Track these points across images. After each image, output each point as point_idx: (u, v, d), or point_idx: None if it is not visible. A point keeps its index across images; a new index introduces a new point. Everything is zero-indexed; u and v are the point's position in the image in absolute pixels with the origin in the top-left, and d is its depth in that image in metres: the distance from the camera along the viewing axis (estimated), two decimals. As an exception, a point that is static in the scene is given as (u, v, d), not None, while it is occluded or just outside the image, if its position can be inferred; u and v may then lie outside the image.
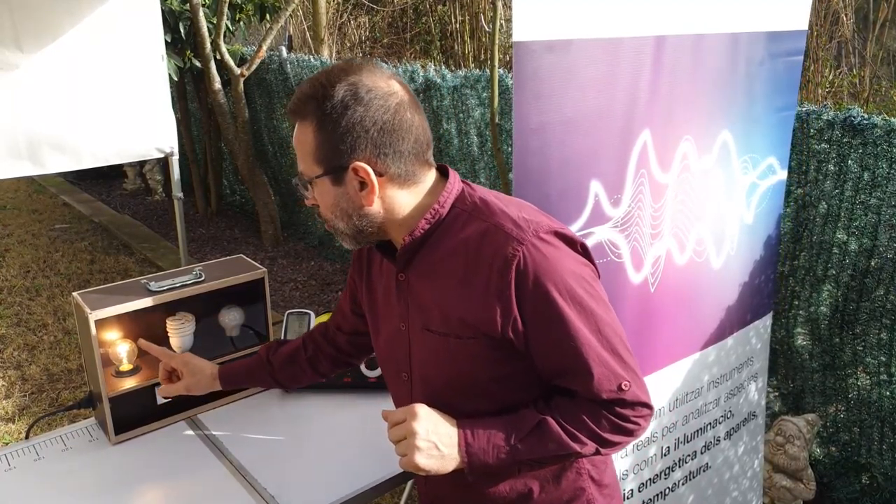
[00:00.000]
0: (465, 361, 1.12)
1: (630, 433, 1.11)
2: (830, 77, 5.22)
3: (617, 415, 1.09)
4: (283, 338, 1.80)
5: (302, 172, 1.12)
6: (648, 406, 1.12)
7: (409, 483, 2.37)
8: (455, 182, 1.15)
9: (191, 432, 1.66)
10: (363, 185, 1.08)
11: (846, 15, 5.41)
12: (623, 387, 1.08)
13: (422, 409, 1.09)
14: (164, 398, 1.64)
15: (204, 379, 1.53)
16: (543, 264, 1.05)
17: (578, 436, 1.09)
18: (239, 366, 1.55)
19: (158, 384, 1.64)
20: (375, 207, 1.10)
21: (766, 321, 2.18)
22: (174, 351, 1.71)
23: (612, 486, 1.27)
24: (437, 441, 1.08)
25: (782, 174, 2.05)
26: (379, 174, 1.07)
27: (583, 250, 1.12)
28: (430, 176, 1.14)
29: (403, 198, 1.11)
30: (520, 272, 1.04)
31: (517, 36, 1.36)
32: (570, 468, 1.21)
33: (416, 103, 1.11)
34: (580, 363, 1.06)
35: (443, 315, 1.12)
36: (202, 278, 1.69)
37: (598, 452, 1.12)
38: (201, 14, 4.73)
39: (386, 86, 1.06)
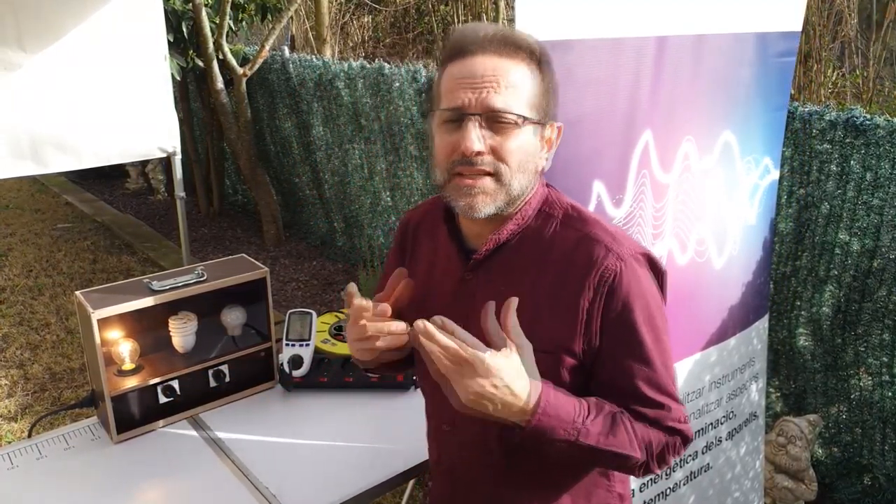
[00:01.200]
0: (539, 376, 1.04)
1: (665, 465, 1.09)
2: (834, 77, 5.22)
3: (671, 445, 1.07)
4: (285, 336, 1.81)
5: (506, 110, 1.00)
6: (691, 440, 1.11)
7: (411, 483, 2.37)
8: (542, 184, 1.12)
9: (192, 431, 1.66)
10: (546, 146, 1.07)
11: (849, 15, 5.41)
12: (685, 420, 1.08)
13: (504, 362, 0.93)
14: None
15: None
16: (635, 286, 1.02)
17: (640, 443, 1.04)
18: None
19: (162, 383, 1.64)
20: (535, 177, 1.08)
21: (765, 322, 2.18)
22: (178, 351, 1.72)
23: (629, 499, 1.25)
24: (508, 392, 0.93)
25: (775, 174, 2.05)
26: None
27: (662, 279, 1.10)
28: None
29: (536, 178, 1.09)
30: (612, 288, 1.02)
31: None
32: (601, 485, 1.17)
33: None
34: (648, 388, 1.04)
35: (521, 323, 1.03)
36: (204, 278, 1.69)
37: (636, 470, 1.07)
38: (204, 14, 4.73)
39: None
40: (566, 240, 1.06)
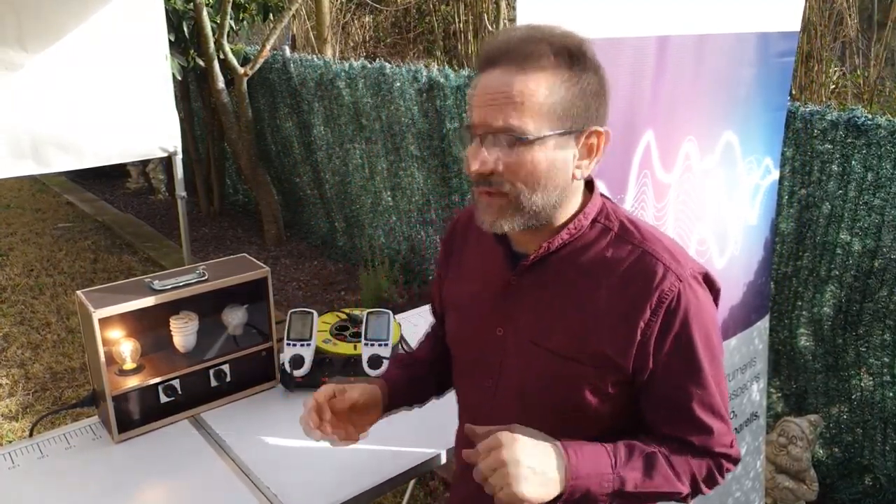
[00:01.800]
0: (575, 388, 1.04)
1: (716, 485, 1.08)
2: (835, 77, 5.22)
3: (718, 467, 1.06)
4: (286, 336, 1.81)
5: (511, 128, 0.95)
6: (739, 461, 1.09)
7: (411, 483, 2.37)
8: (598, 194, 1.08)
9: (194, 431, 1.66)
10: (583, 154, 1.00)
11: (850, 15, 5.40)
12: (734, 443, 1.06)
13: (518, 433, 0.95)
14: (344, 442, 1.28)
15: (372, 403, 1.26)
16: (695, 308, 1.00)
17: (682, 476, 1.03)
18: (398, 378, 1.32)
19: (163, 383, 1.64)
20: (576, 185, 1.02)
21: (766, 322, 2.18)
22: (179, 350, 1.72)
23: None
24: (539, 466, 0.93)
25: (776, 174, 2.05)
26: (599, 148, 1.01)
27: (717, 297, 1.08)
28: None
29: (579, 189, 1.05)
30: (670, 310, 0.99)
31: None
32: None
33: None
34: (702, 415, 1.03)
35: (566, 335, 1.04)
36: (205, 277, 1.69)
37: (685, 500, 1.05)
38: (205, 14, 4.74)
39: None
40: (623, 254, 1.02)
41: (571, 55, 0.96)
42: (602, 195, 1.10)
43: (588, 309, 1.02)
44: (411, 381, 1.34)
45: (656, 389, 1.03)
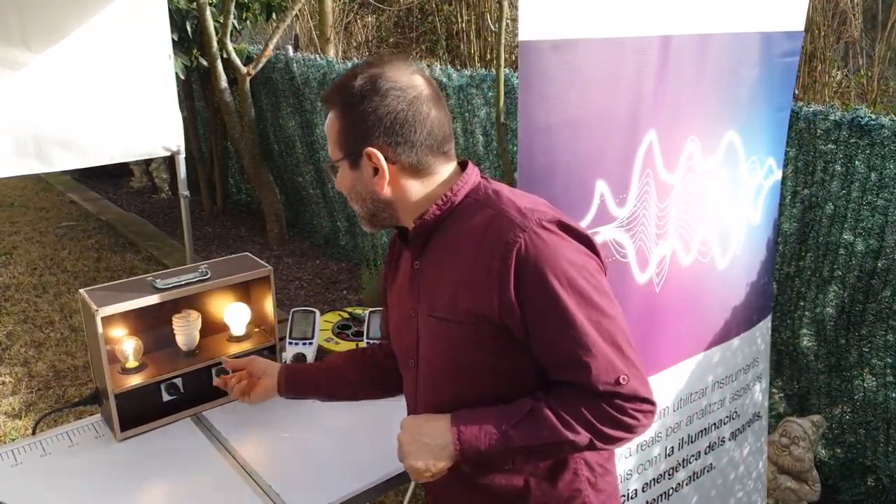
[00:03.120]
0: (465, 349, 1.14)
1: (629, 428, 1.10)
2: (838, 77, 5.21)
3: (615, 407, 1.08)
4: (289, 335, 1.81)
5: (330, 157, 1.18)
6: (649, 402, 1.10)
7: (413, 482, 2.37)
8: (472, 174, 1.19)
9: (196, 429, 1.66)
10: (376, 171, 1.13)
11: (854, 15, 5.39)
12: (621, 380, 1.07)
13: (405, 420, 1.17)
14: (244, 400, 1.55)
15: (270, 381, 1.52)
16: (544, 251, 1.06)
17: (573, 424, 1.08)
18: (304, 369, 1.56)
19: (165, 381, 1.64)
20: (386, 193, 1.15)
21: (768, 322, 2.17)
22: (181, 349, 1.72)
23: (610, 494, 1.26)
24: (423, 439, 1.12)
25: (779, 174, 2.05)
26: (391, 162, 1.12)
27: (587, 243, 1.13)
28: (448, 169, 1.18)
29: (415, 187, 1.16)
30: (520, 258, 1.05)
31: (523, 35, 1.36)
32: (566, 468, 1.21)
33: (438, 98, 1.15)
34: (578, 353, 1.07)
35: (447, 301, 1.14)
36: (208, 276, 1.69)
37: (593, 445, 1.10)
38: (208, 13, 4.74)
39: (407, 79, 1.11)
40: (482, 219, 1.12)
41: (345, 90, 1.12)
42: (483, 177, 1.21)
43: (456, 273, 1.13)
44: (317, 381, 1.51)
45: (532, 337, 1.09)
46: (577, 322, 1.06)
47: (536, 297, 1.06)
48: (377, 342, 1.64)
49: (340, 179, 1.19)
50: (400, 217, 1.19)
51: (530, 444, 1.09)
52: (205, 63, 5.11)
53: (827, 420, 2.67)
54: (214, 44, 4.87)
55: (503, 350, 1.12)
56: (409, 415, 1.31)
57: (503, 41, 3.27)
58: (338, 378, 1.49)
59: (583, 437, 1.09)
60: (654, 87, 1.57)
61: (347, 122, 1.13)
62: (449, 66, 4.13)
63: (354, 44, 8.08)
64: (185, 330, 1.71)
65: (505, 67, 3.17)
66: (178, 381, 1.67)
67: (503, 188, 1.18)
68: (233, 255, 1.84)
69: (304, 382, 1.50)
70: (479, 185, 1.18)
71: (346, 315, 2.02)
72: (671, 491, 1.94)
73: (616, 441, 1.12)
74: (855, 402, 2.67)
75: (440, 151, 1.15)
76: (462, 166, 1.21)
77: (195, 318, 1.72)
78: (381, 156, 1.12)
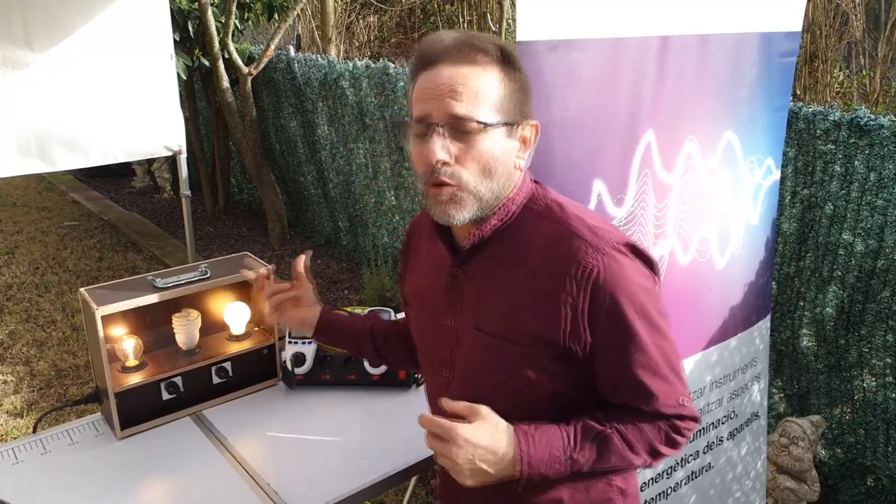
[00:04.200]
0: (516, 369, 1.08)
1: (678, 445, 1.11)
2: (840, 78, 5.20)
3: (674, 428, 1.09)
4: (288, 334, 1.82)
5: (467, 118, 1.00)
6: (697, 420, 1.11)
7: (413, 480, 2.38)
8: (527, 179, 1.13)
9: (195, 428, 1.67)
10: (523, 145, 1.08)
11: (856, 15, 5.39)
12: (683, 401, 1.08)
13: (465, 433, 0.99)
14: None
15: (312, 316, 1.44)
16: (620, 277, 1.02)
17: (637, 447, 1.07)
18: (338, 319, 1.47)
19: (165, 380, 1.65)
20: (517, 174, 1.09)
21: (767, 322, 2.17)
22: (181, 348, 1.73)
23: (634, 496, 1.25)
24: (484, 463, 1.00)
25: (777, 174, 2.05)
26: (532, 140, 1.09)
27: (651, 265, 1.10)
28: None
29: (517, 176, 1.10)
30: (596, 283, 1.02)
31: (521, 35, 1.37)
32: (600, 478, 1.17)
33: None
34: (646, 379, 1.05)
35: (502, 318, 1.08)
36: (207, 275, 1.70)
37: (647, 465, 1.11)
38: (210, 13, 4.75)
39: None
40: (545, 233, 1.07)
41: (506, 56, 1.04)
42: (535, 181, 1.14)
43: (516, 290, 1.07)
44: (351, 338, 1.46)
45: (599, 362, 1.06)
46: (648, 349, 1.04)
47: (609, 324, 1.03)
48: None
49: (488, 146, 1.02)
50: (485, 208, 1.07)
51: (595, 469, 1.06)
52: (207, 63, 5.12)
53: (826, 420, 2.67)
54: (216, 44, 4.88)
55: (557, 372, 1.07)
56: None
57: (504, 41, 3.28)
58: (358, 344, 1.47)
59: (643, 458, 1.08)
60: (652, 88, 1.57)
61: (515, 85, 1.04)
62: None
63: (356, 44, 8.10)
64: (185, 329, 1.72)
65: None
66: (178, 380, 1.67)
67: (563, 199, 1.12)
68: (232, 255, 1.85)
69: (333, 335, 1.46)
70: (535, 192, 1.12)
71: (345, 314, 2.02)
72: (669, 490, 1.94)
73: (664, 457, 1.11)
74: (854, 402, 2.67)
75: None
76: None
77: (195, 317, 1.73)
78: (537, 130, 1.08)
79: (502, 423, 1.03)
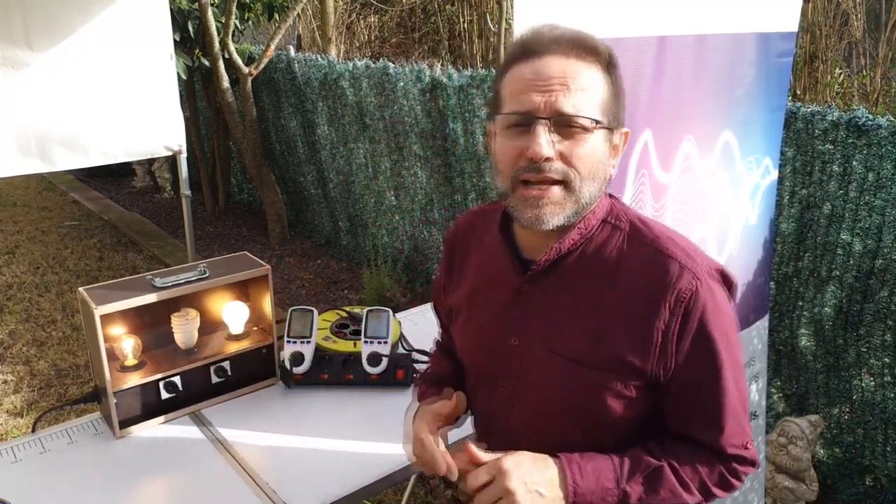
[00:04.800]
0: (594, 394, 1.02)
1: (732, 489, 1.06)
2: (840, 78, 5.20)
3: (731, 470, 1.04)
4: (287, 333, 1.82)
5: (578, 113, 0.95)
6: (756, 465, 1.06)
7: (412, 480, 2.38)
8: (606, 194, 1.06)
9: (194, 427, 1.68)
10: (614, 152, 1.02)
11: (856, 16, 5.39)
12: (748, 444, 1.04)
13: (509, 463, 0.97)
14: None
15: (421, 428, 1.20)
16: (713, 306, 0.98)
17: (690, 486, 1.02)
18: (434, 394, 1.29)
19: (164, 379, 1.65)
20: (604, 185, 1.03)
21: (765, 322, 2.18)
22: (180, 347, 1.73)
23: None
24: (538, 489, 0.97)
25: (775, 174, 2.05)
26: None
27: (734, 292, 1.06)
28: None
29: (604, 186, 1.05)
30: (689, 309, 0.97)
31: (518, 35, 1.37)
32: None
33: None
34: (718, 413, 1.01)
35: (581, 340, 1.02)
36: (206, 275, 1.70)
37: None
38: (210, 13, 4.76)
39: None
40: (636, 254, 1.01)
41: (610, 57, 1.00)
42: (610, 195, 1.08)
43: (603, 313, 1.00)
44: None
45: (674, 388, 1.01)
46: (726, 382, 1.00)
47: (695, 352, 0.98)
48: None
49: (591, 149, 0.96)
50: (579, 213, 1.01)
51: (645, 502, 1.02)
52: (207, 63, 5.13)
53: (825, 420, 2.67)
54: (216, 44, 4.89)
55: (636, 397, 1.02)
56: (478, 438, 1.19)
57: (504, 41, 3.28)
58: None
59: (695, 497, 1.03)
60: (649, 88, 1.57)
61: (616, 90, 1.00)
62: (450, 67, 4.14)
63: (357, 44, 8.10)
64: (184, 328, 1.73)
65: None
66: (177, 380, 1.68)
67: (644, 216, 1.06)
68: (231, 254, 1.85)
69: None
70: (613, 207, 1.06)
71: (343, 314, 2.03)
72: (667, 490, 1.95)
73: (716, 499, 1.06)
74: (853, 401, 2.67)
75: None
76: None
77: (194, 317, 1.74)
78: (627, 138, 1.04)
79: (539, 456, 1.00)
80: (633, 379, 1.00)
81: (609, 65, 0.99)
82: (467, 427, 1.28)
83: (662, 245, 1.00)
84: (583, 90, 0.95)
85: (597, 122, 0.96)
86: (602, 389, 1.01)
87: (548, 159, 0.95)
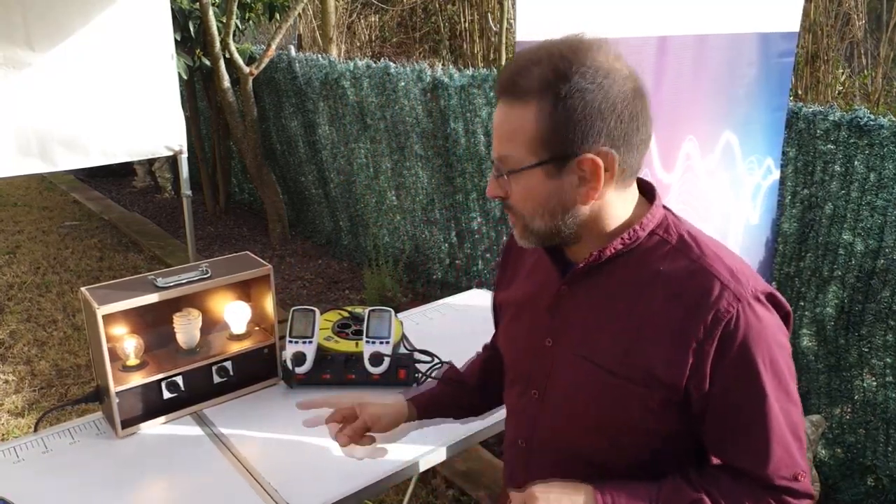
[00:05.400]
0: (626, 407, 1.00)
1: None
2: (842, 78, 5.21)
3: (781, 503, 0.98)
4: (288, 333, 1.82)
5: (504, 158, 0.97)
6: (812, 498, 1.00)
7: (413, 480, 2.38)
8: (660, 205, 1.04)
9: (196, 427, 1.68)
10: (583, 180, 0.95)
11: (858, 16, 5.39)
12: (799, 477, 0.97)
13: (539, 489, 0.97)
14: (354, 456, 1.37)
15: (392, 413, 1.32)
16: (758, 330, 0.93)
17: None
18: (429, 394, 1.38)
19: (165, 379, 1.65)
20: (587, 208, 0.98)
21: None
22: (182, 347, 1.73)
23: None
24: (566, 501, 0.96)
25: (777, 174, 2.06)
26: (605, 170, 0.94)
27: (787, 318, 1.01)
28: (634, 186, 1.02)
29: (617, 204, 1.00)
30: (729, 331, 0.93)
31: (520, 35, 1.37)
32: None
33: (644, 89, 0.98)
34: (762, 442, 0.95)
35: (615, 351, 1.00)
36: (208, 275, 1.70)
37: None
38: (211, 13, 4.76)
39: (621, 68, 0.95)
40: (678, 269, 0.97)
41: (557, 82, 0.92)
42: (665, 207, 1.06)
43: (637, 323, 0.99)
44: (451, 400, 1.39)
45: (714, 413, 0.97)
46: (772, 410, 0.94)
47: (736, 377, 0.94)
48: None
49: (524, 189, 0.97)
50: (584, 239, 1.01)
51: None
52: (207, 63, 5.13)
53: (827, 420, 2.67)
54: (217, 44, 4.89)
55: (669, 415, 0.99)
56: (509, 443, 1.20)
57: (505, 41, 3.28)
58: (456, 408, 1.39)
59: None
60: (651, 88, 1.58)
61: (558, 119, 0.92)
62: (451, 67, 4.14)
63: (357, 44, 8.10)
64: (186, 328, 1.73)
65: (506, 67, 3.17)
66: (179, 379, 1.68)
67: (698, 231, 1.02)
68: (233, 254, 1.85)
69: (436, 409, 1.38)
70: (666, 219, 1.03)
71: (345, 314, 2.03)
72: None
73: None
74: (854, 402, 2.67)
75: (642, 158, 0.99)
76: (643, 189, 1.04)
77: (196, 317, 1.74)
78: (600, 162, 0.93)
79: (572, 484, 0.99)
80: (661, 395, 0.97)
81: (553, 92, 0.92)
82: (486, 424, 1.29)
83: (707, 262, 0.97)
84: (513, 133, 0.96)
85: (523, 167, 0.96)
86: (627, 399, 0.99)
87: (497, 198, 1.01)
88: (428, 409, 1.36)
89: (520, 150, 0.96)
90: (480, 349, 1.46)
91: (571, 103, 0.92)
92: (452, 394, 1.39)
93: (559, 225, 0.99)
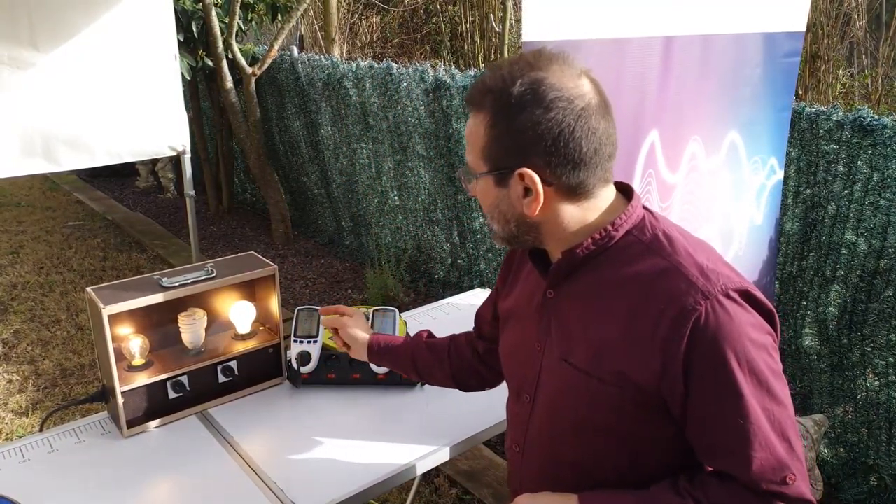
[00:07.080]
0: (601, 409, 1.00)
1: None
2: (843, 78, 5.20)
3: None
4: (293, 333, 1.82)
5: (468, 164, 1.03)
6: (809, 502, 0.96)
7: (417, 479, 2.39)
8: (637, 206, 1.03)
9: (201, 426, 1.68)
10: (528, 191, 0.98)
11: (858, 16, 5.39)
12: (788, 479, 0.93)
13: (526, 499, 1.01)
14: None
15: (360, 347, 1.55)
16: (727, 326, 0.91)
17: None
18: (391, 343, 1.54)
19: (172, 379, 1.66)
20: (536, 217, 1.00)
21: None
22: (187, 347, 1.74)
23: None
24: None
25: (781, 174, 2.06)
26: (547, 184, 0.96)
27: (770, 318, 0.98)
28: (607, 192, 1.02)
29: (571, 212, 1.00)
30: (697, 329, 0.91)
31: (526, 36, 1.37)
32: None
33: (607, 106, 0.98)
34: (743, 443, 0.92)
35: (590, 353, 1.01)
36: (213, 275, 1.71)
37: None
38: (214, 14, 4.77)
39: (574, 86, 0.95)
40: (649, 268, 0.97)
41: (496, 98, 0.96)
42: (646, 208, 1.06)
43: (609, 324, 0.99)
44: (405, 359, 1.51)
45: (693, 417, 0.96)
46: (750, 410, 0.92)
47: (708, 376, 0.92)
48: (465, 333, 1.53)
49: (481, 193, 1.03)
50: (546, 242, 1.04)
51: None
52: (210, 63, 5.14)
53: (830, 419, 2.68)
54: (220, 44, 4.89)
55: (647, 418, 0.98)
56: (507, 447, 1.22)
57: (507, 42, 3.29)
58: (412, 361, 1.51)
59: None
60: (656, 88, 1.58)
61: (500, 133, 0.96)
62: (453, 67, 4.15)
63: (359, 44, 8.11)
64: (191, 328, 1.73)
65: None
66: (184, 379, 1.68)
67: (674, 230, 1.02)
68: (238, 254, 1.86)
69: (387, 358, 1.54)
70: (644, 220, 1.02)
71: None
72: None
73: None
74: (857, 401, 2.67)
75: (602, 172, 0.98)
76: (622, 191, 1.05)
77: (201, 317, 1.74)
78: (536, 178, 0.95)
79: (560, 495, 1.03)
80: (634, 396, 0.97)
81: (495, 109, 0.96)
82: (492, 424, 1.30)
83: (676, 260, 0.96)
84: (469, 139, 1.01)
85: (475, 175, 1.02)
86: (601, 401, 1.00)
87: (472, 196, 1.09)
88: (380, 353, 1.52)
89: (475, 157, 1.01)
90: (460, 332, 1.53)
91: (511, 117, 0.95)
92: (412, 354, 1.50)
93: (514, 230, 1.04)
